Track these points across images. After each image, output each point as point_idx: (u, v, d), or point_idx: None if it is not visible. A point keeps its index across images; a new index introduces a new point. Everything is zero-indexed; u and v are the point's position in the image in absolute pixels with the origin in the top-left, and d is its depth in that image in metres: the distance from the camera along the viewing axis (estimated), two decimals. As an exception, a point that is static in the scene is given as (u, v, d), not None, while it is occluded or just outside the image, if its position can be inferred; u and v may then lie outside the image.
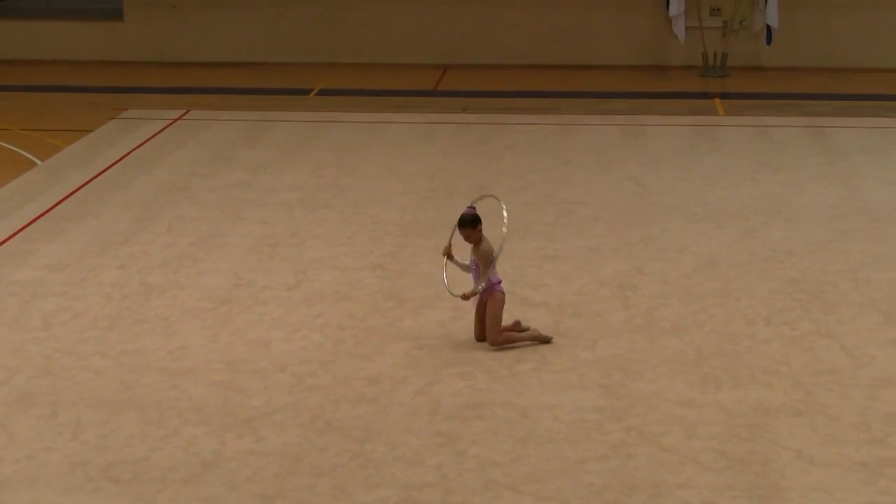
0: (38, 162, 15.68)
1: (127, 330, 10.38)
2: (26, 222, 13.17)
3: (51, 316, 10.68)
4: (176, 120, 17.97)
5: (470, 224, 9.81)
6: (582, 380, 9.38)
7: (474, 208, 9.86)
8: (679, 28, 21.55)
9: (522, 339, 9.97)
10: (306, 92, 20.35)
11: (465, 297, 9.85)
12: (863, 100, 19.56)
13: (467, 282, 10.10)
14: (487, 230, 9.91)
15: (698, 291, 11.20)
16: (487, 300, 9.88)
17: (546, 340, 10.00)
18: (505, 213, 9.75)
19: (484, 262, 9.77)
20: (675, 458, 8.24)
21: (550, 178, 14.88)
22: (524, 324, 10.14)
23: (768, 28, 21.37)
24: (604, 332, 10.30)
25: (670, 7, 21.37)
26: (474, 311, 10.06)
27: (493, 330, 9.89)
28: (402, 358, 9.79)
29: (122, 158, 15.82)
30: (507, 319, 10.03)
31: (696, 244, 12.48)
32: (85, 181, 14.73)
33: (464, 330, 10.24)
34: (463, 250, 10.10)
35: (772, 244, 12.46)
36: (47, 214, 13.48)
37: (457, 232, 9.91)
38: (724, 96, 20.04)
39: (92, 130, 17.37)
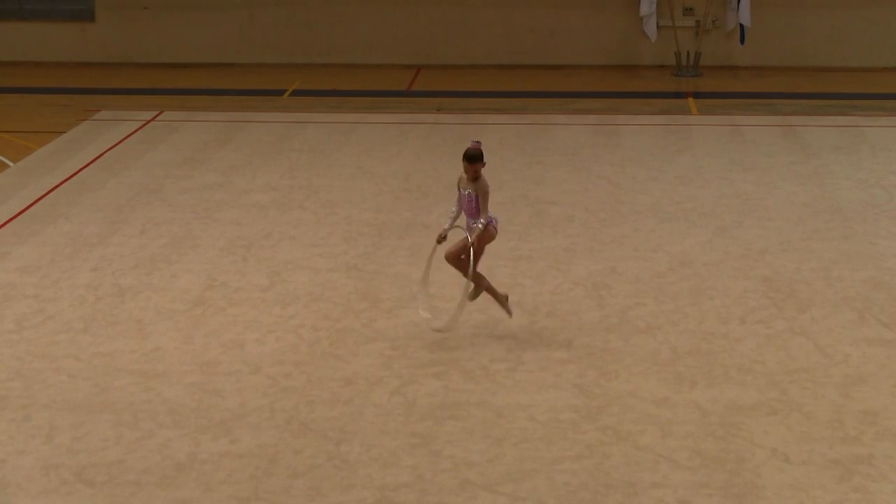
0: (10, 164, 15.61)
1: (100, 332, 10.34)
2: (-2, 225, 13.14)
3: (23, 318, 10.63)
4: (149, 121, 17.91)
5: (479, 160, 9.82)
6: (557, 379, 9.39)
7: (479, 143, 9.96)
8: (650, 27, 21.61)
9: (496, 294, 10.06)
10: (279, 93, 20.31)
11: (472, 244, 9.71)
12: (834, 99, 19.64)
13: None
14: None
15: (672, 291, 11.23)
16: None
17: (507, 311, 10.10)
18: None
19: (484, 196, 9.78)
20: (651, 457, 8.25)
21: (524, 178, 14.89)
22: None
23: (741, 27, 21.45)
24: (578, 331, 10.31)
25: (641, 6, 21.42)
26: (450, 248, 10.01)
27: (475, 259, 9.82)
28: (376, 359, 9.78)
29: (94, 160, 15.75)
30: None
31: (669, 243, 12.51)
32: (57, 183, 14.67)
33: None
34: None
35: (745, 243, 12.50)
36: (19, 217, 13.41)
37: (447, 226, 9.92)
38: (696, 96, 20.09)
39: (64, 132, 17.30)
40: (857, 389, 9.23)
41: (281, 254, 12.25)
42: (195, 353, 9.90)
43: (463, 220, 9.93)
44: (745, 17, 21.28)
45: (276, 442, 8.47)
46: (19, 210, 13.63)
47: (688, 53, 21.78)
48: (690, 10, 22.14)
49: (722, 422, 8.71)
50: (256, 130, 17.43)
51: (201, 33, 22.80)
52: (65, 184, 14.69)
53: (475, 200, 9.81)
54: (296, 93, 20.36)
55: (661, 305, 10.88)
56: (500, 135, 17.14)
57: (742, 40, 21.64)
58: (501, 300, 10.12)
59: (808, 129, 17.44)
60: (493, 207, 13.45)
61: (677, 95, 20.28)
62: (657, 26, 21.70)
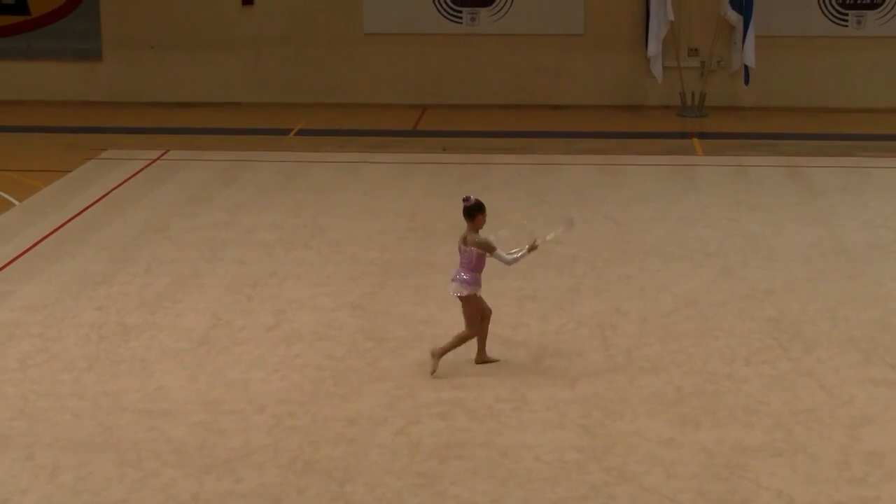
0: (16, 202, 15.64)
1: (104, 371, 10.33)
2: (3, 263, 13.12)
3: (27, 357, 10.62)
4: (155, 160, 17.96)
5: (482, 211, 10.11)
6: (562, 419, 9.37)
7: (469, 197, 10.19)
8: (656, 68, 21.66)
9: (449, 349, 10.24)
10: (285, 132, 20.36)
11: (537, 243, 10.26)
12: (840, 139, 19.65)
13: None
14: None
15: (677, 331, 11.21)
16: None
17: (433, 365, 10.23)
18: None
19: (486, 247, 10.02)
20: (656, 498, 8.21)
21: (529, 218, 14.88)
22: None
23: (746, 68, 21.50)
24: (583, 371, 10.29)
25: (649, 47, 21.48)
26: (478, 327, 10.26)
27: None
28: (381, 398, 9.76)
29: (100, 199, 15.79)
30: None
31: (674, 283, 12.50)
32: (63, 222, 14.69)
33: (443, 369, 10.20)
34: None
35: (750, 283, 12.49)
36: (25, 255, 13.43)
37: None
38: (702, 136, 20.12)
39: (70, 171, 17.34)
40: (864, 431, 9.20)
41: (286, 293, 12.25)
42: (199, 392, 9.89)
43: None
44: (749, 57, 21.33)
45: (280, 482, 8.44)
46: (25, 248, 13.64)
47: (693, 94, 21.82)
48: (696, 50, 22.20)
49: (727, 463, 8.68)
50: (262, 169, 17.47)
51: (208, 73, 22.88)
52: (70, 222, 14.72)
53: (473, 257, 10.04)
54: (301, 132, 20.41)
55: (667, 346, 10.86)
56: (505, 174, 17.17)
57: (747, 81, 21.67)
58: (437, 355, 10.18)
59: (813, 169, 17.45)
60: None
61: (682, 136, 20.32)
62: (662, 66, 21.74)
